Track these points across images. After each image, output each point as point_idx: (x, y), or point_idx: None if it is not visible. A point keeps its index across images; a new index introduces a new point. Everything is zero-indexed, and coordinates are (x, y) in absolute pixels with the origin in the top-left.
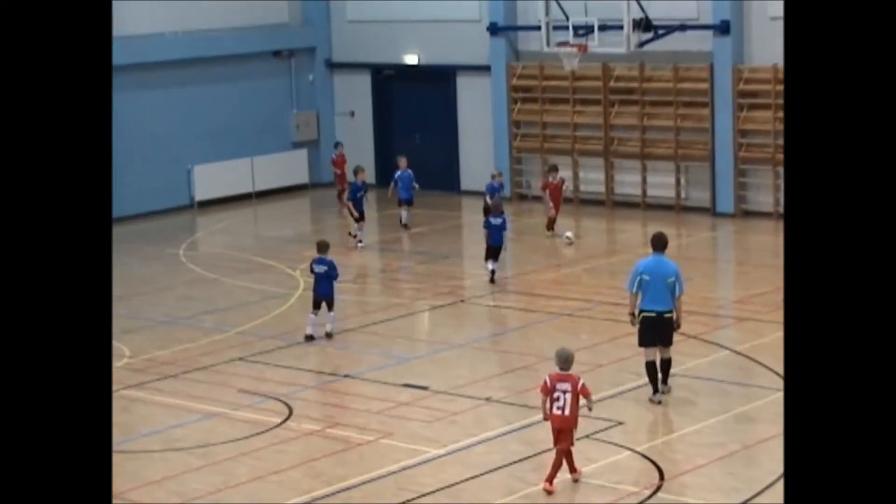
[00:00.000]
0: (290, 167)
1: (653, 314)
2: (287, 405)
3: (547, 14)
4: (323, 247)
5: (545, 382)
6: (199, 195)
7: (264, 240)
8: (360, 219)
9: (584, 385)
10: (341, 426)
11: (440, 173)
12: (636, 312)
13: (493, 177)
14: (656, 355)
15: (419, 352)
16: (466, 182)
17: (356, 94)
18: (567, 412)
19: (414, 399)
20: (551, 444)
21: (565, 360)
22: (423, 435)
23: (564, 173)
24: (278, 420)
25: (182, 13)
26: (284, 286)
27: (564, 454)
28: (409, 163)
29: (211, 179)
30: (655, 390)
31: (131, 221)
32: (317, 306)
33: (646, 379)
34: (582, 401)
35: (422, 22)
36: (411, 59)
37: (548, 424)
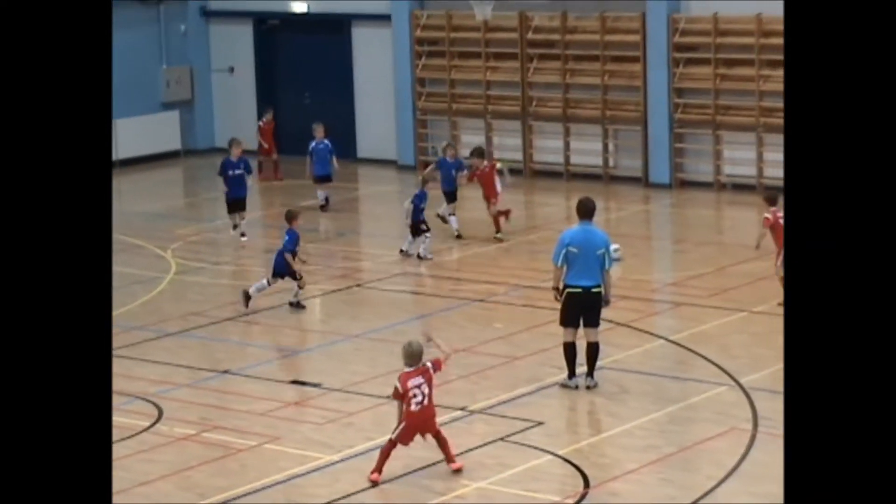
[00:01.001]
0: (160, 132)
1: (579, 290)
2: (156, 406)
3: None
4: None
5: (395, 388)
6: None
7: (129, 216)
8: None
9: (433, 364)
10: (220, 430)
11: (334, 138)
12: (561, 287)
13: (443, 150)
14: (576, 337)
15: (310, 344)
16: (364, 148)
17: (236, 47)
18: (427, 402)
19: (304, 398)
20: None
21: (412, 356)
22: (314, 439)
23: (475, 138)
24: (146, 423)
25: None
26: (154, 269)
27: (441, 441)
28: (327, 132)
29: None
30: (572, 374)
31: None
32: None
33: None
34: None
35: None
36: (299, 7)
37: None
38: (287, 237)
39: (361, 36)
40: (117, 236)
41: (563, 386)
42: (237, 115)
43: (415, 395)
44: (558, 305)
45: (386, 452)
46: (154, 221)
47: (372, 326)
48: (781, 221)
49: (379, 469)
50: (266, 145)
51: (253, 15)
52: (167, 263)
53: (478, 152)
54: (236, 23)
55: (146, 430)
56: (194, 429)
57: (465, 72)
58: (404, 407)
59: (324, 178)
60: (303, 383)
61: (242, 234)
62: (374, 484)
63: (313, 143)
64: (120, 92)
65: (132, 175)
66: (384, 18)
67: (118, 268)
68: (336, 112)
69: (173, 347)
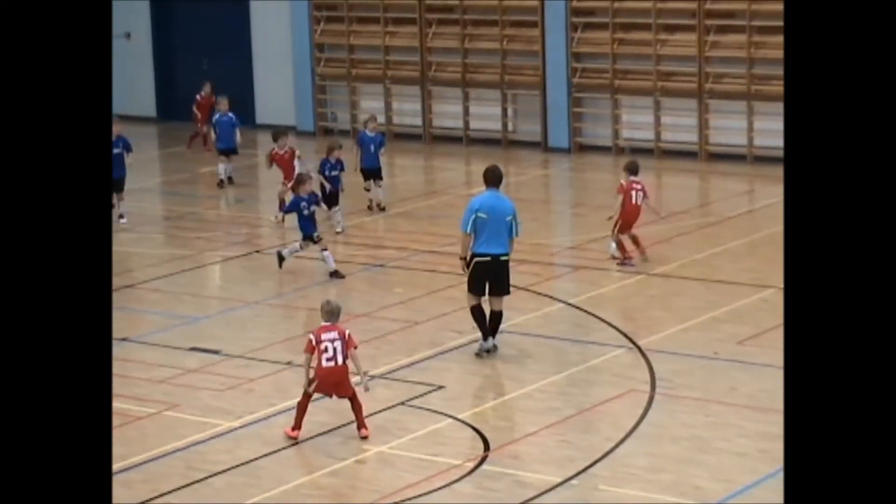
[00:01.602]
0: None
1: (488, 258)
2: None
3: None
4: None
5: (310, 340)
6: None
7: None
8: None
9: (350, 335)
10: (119, 398)
11: (233, 105)
12: (469, 256)
13: (365, 123)
14: (483, 302)
15: (209, 311)
16: (263, 115)
17: (131, 12)
18: (340, 361)
19: (203, 365)
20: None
21: (331, 313)
22: (214, 406)
23: (374, 104)
24: None
25: None
26: None
27: (355, 405)
28: (230, 104)
29: None
30: (486, 336)
31: None
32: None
33: (468, 338)
34: (355, 378)
35: None
36: None
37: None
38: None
39: (260, 2)
40: None
41: (481, 352)
42: (134, 82)
43: (325, 350)
44: (463, 272)
45: (303, 406)
46: None
47: (271, 293)
48: (634, 190)
49: (298, 425)
50: (199, 116)
51: None
52: None
53: (279, 132)
54: None
55: None
56: None
57: (364, 37)
58: (315, 361)
59: (228, 152)
60: (202, 350)
61: (121, 217)
62: (294, 441)
63: (217, 116)
64: None
65: None
66: None
67: None
68: (235, 79)
69: None
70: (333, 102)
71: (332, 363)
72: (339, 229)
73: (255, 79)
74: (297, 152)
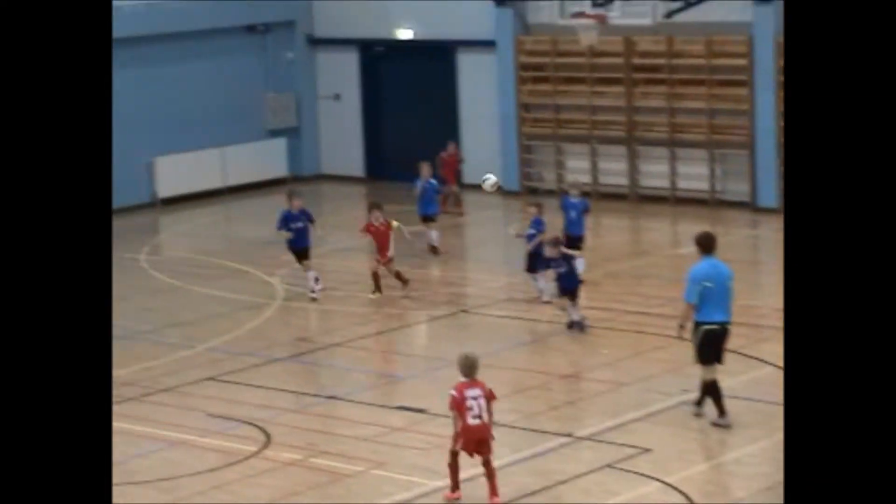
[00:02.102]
0: (267, 159)
1: (716, 326)
2: (264, 431)
3: None
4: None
5: (453, 396)
6: (163, 191)
7: (237, 242)
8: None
9: (490, 389)
10: (326, 455)
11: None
12: (689, 325)
13: (568, 189)
14: (716, 373)
15: (415, 370)
16: (469, 174)
17: (342, 74)
18: (485, 418)
19: (409, 424)
20: (476, 461)
21: (471, 367)
22: (419, 465)
23: (580, 163)
24: (254, 448)
25: None
26: (260, 295)
27: (489, 471)
28: (433, 170)
29: (175, 173)
30: (722, 412)
31: None
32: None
33: (676, 399)
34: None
35: None
36: (405, 34)
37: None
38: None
39: (466, 62)
40: (225, 262)
41: (716, 425)
42: (343, 142)
43: (471, 408)
44: (681, 338)
45: (454, 467)
46: (261, 247)
47: (477, 352)
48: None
49: (456, 485)
50: (446, 177)
51: (359, 42)
52: (273, 289)
53: (374, 205)
54: (342, 50)
55: (254, 455)
56: (301, 454)
57: (571, 97)
58: (460, 420)
59: (429, 218)
60: (408, 409)
61: (317, 280)
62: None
63: (419, 182)
64: (227, 119)
65: (240, 201)
66: (489, 45)
67: (225, 293)
68: (441, 138)
69: (280, 373)
70: (538, 162)
71: (478, 420)
72: (546, 298)
73: (462, 138)
74: (396, 224)
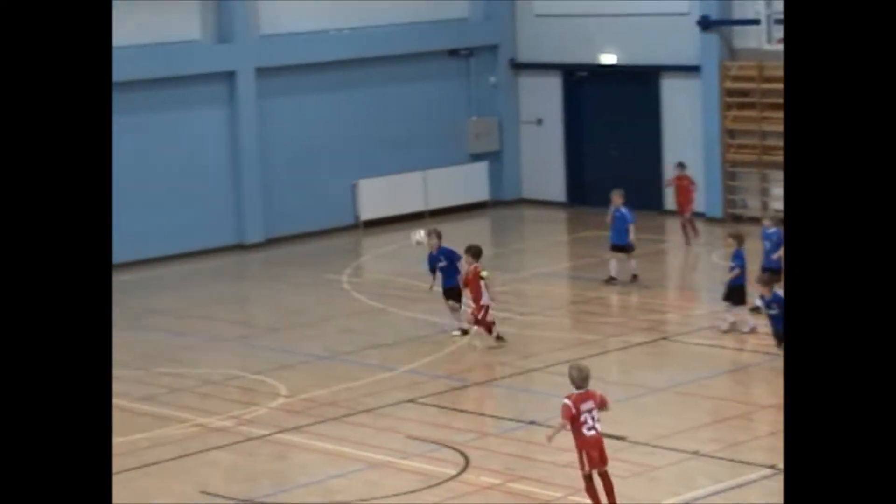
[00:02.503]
0: (468, 182)
1: None
2: (463, 455)
3: (768, 6)
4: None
5: (569, 407)
6: (365, 214)
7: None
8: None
9: (601, 395)
10: (525, 480)
11: (641, 189)
12: None
13: (764, 219)
14: None
15: (615, 396)
16: (672, 201)
17: (544, 98)
18: (599, 428)
19: (608, 451)
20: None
21: (585, 378)
22: (619, 492)
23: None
24: (453, 472)
25: (347, 8)
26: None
27: (608, 483)
28: (626, 199)
29: (378, 196)
30: None
31: (287, 243)
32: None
33: None
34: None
35: (621, 16)
36: (608, 59)
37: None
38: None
39: (670, 87)
40: (423, 285)
41: None
42: (544, 167)
43: (585, 421)
44: None
45: (592, 490)
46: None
47: (678, 380)
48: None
49: None
50: (682, 204)
51: (561, 67)
52: None
53: (473, 251)
54: (545, 74)
55: (453, 478)
56: (499, 479)
57: (777, 123)
58: (575, 433)
59: (619, 248)
60: (608, 436)
61: (462, 332)
62: None
63: (611, 209)
64: (430, 142)
65: (441, 225)
66: (693, 70)
67: (425, 316)
68: (643, 164)
69: (479, 397)
70: (742, 189)
71: (592, 432)
72: (747, 329)
73: (664, 164)
74: (485, 274)
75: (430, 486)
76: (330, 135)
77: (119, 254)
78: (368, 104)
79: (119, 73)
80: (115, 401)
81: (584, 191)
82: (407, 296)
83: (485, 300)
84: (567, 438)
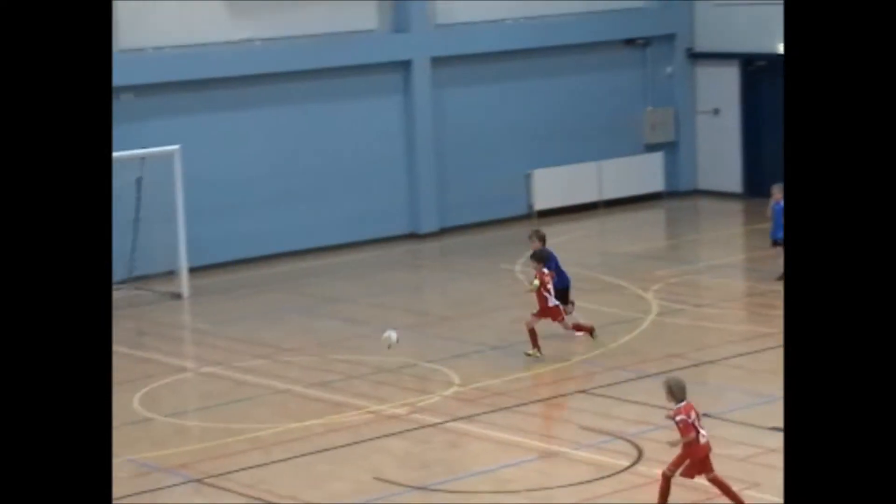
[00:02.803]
0: (643, 173)
1: None
2: (636, 446)
3: None
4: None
5: (685, 421)
6: (539, 203)
7: (611, 256)
8: None
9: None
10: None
11: None
12: None
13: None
14: None
15: None
16: None
17: (721, 89)
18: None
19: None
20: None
21: (684, 390)
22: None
23: None
24: (626, 463)
25: None
26: (634, 309)
27: (723, 485)
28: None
29: (552, 186)
30: None
31: (461, 232)
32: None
33: None
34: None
35: None
36: None
37: None
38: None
39: None
40: (599, 276)
41: None
42: (721, 158)
43: (699, 429)
44: None
45: (665, 491)
46: (635, 262)
47: None
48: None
49: None
50: None
51: (740, 56)
52: (648, 304)
53: (540, 255)
54: (723, 64)
55: (625, 469)
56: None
57: None
58: (694, 442)
59: (779, 243)
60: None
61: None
62: None
63: (773, 204)
64: (605, 132)
65: (615, 216)
66: None
67: (599, 307)
68: None
69: (652, 388)
70: None
71: (705, 439)
72: None
73: None
74: (535, 283)
75: (602, 478)
76: (504, 124)
77: (296, 242)
78: (543, 94)
79: (297, 63)
80: (288, 386)
81: (761, 182)
82: (581, 286)
83: (552, 303)
84: (745, 431)
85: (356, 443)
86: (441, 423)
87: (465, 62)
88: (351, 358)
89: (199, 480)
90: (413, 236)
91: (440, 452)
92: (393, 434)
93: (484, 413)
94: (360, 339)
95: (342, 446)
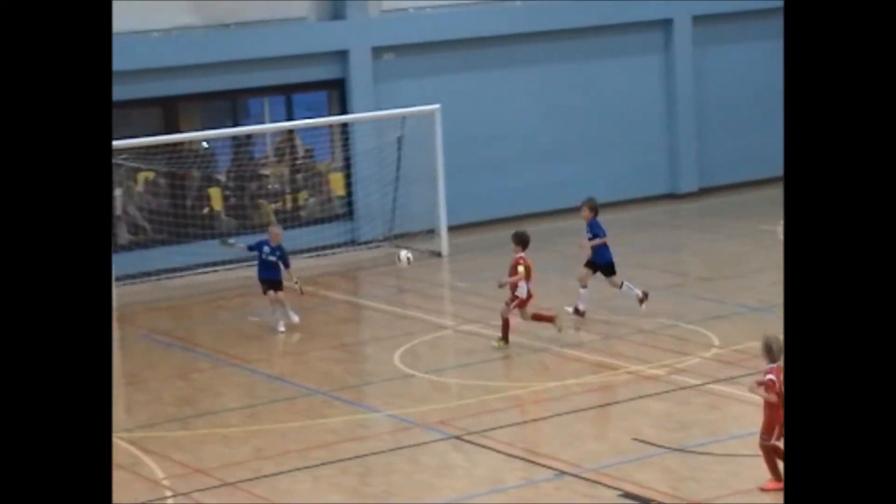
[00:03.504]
0: None
1: None
2: None
3: None
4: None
5: (773, 383)
6: None
7: None
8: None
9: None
10: None
11: None
12: None
13: None
14: None
15: None
16: None
17: None
18: None
19: None
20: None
21: (782, 350)
22: None
23: None
24: None
25: None
26: None
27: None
28: None
29: None
30: None
31: (721, 192)
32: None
33: None
34: None
35: None
36: None
37: None
38: None
39: None
40: None
41: None
42: None
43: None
44: None
45: (773, 462)
46: None
47: None
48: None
49: (777, 476)
50: None
51: None
52: None
53: (519, 237)
54: None
55: None
56: None
57: None
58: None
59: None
60: None
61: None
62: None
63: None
64: None
65: None
66: None
67: None
68: None
69: None
70: None
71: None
72: None
73: None
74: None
75: None
76: (766, 84)
77: (557, 201)
78: None
79: (554, 22)
80: (546, 345)
81: None
82: None
83: (522, 292)
84: None
85: (614, 403)
86: (700, 385)
87: (726, 20)
88: (609, 318)
89: (458, 437)
90: (672, 196)
91: (700, 414)
92: (651, 395)
93: (744, 376)
94: (618, 300)
95: (600, 406)
